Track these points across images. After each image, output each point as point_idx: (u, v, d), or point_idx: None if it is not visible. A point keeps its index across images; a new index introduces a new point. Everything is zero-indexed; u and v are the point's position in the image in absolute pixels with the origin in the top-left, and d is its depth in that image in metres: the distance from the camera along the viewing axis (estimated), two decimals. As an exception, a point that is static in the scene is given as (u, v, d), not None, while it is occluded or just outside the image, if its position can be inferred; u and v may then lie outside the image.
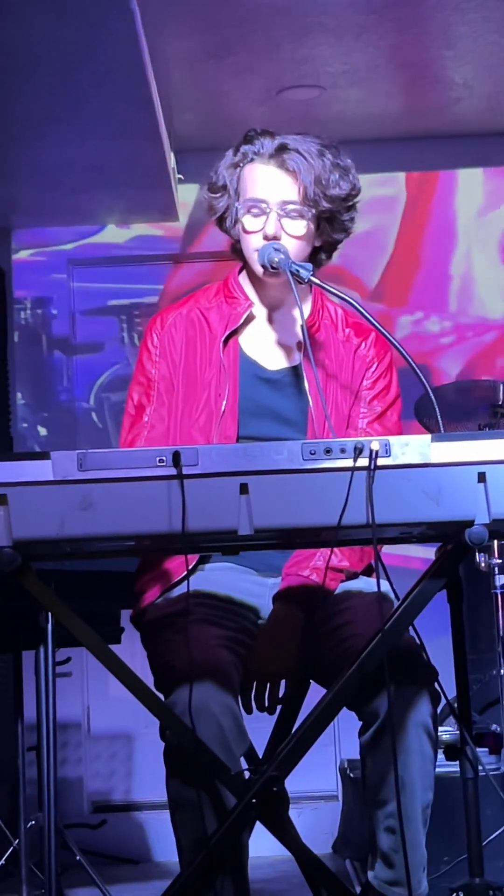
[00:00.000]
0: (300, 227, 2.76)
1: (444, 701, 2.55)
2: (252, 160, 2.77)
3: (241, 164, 2.79)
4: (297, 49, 5.51)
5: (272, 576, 2.74)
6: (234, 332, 2.80)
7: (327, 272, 2.89)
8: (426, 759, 2.51)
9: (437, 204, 6.48)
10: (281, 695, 2.63)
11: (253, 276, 2.83)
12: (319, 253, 2.85)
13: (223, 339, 2.78)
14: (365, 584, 2.72)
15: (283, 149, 2.74)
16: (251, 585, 2.73)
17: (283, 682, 2.64)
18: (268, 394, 2.79)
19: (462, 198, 6.47)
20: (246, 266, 2.85)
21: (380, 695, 2.45)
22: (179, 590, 2.67)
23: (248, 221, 2.77)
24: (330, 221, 2.80)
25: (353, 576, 2.73)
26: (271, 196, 2.74)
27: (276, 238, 2.73)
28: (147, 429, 2.76)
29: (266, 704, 2.60)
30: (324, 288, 2.73)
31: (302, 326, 2.74)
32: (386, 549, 2.48)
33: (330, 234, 2.82)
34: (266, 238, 2.74)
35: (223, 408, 2.73)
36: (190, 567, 2.64)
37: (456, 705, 2.68)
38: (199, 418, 2.73)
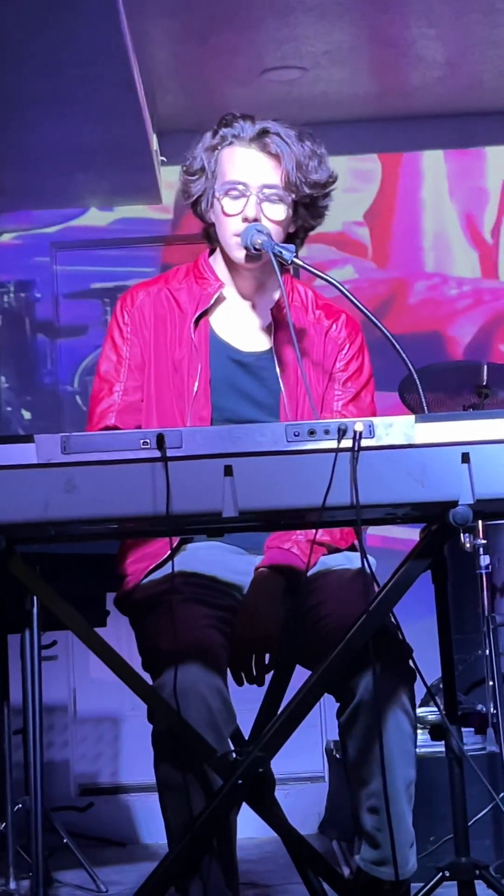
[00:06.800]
0: (280, 211, 2.75)
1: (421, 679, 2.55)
2: (231, 143, 2.75)
3: (220, 147, 2.77)
4: (279, 29, 5.49)
5: (258, 553, 2.73)
6: (205, 313, 2.78)
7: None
8: (404, 736, 2.51)
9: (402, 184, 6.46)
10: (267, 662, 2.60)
11: (226, 260, 2.81)
12: (294, 239, 2.82)
13: (194, 319, 2.76)
14: (344, 558, 2.71)
15: (264, 132, 2.72)
16: (236, 563, 2.72)
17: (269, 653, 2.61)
18: (241, 376, 2.78)
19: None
20: (219, 249, 2.83)
21: (354, 675, 2.45)
22: (164, 570, 2.66)
23: (228, 204, 2.74)
24: (308, 207, 2.79)
25: (334, 550, 2.73)
26: (252, 179, 2.72)
27: (256, 221, 2.71)
28: (118, 405, 2.74)
29: (254, 674, 2.58)
30: (308, 270, 2.69)
31: (286, 311, 2.71)
32: (367, 530, 2.48)
33: (307, 219, 2.81)
34: (246, 220, 2.71)
35: (195, 389, 2.71)
36: (173, 547, 2.63)
37: (441, 687, 2.68)
38: (172, 398, 2.72)
